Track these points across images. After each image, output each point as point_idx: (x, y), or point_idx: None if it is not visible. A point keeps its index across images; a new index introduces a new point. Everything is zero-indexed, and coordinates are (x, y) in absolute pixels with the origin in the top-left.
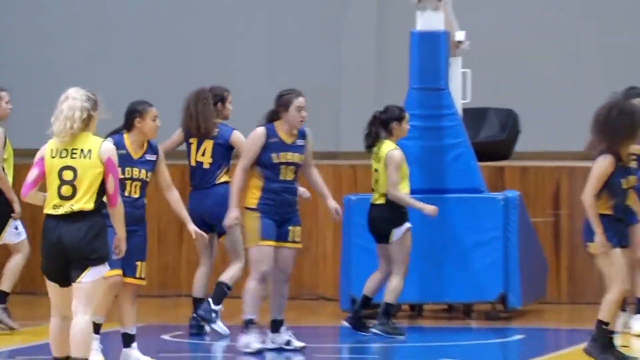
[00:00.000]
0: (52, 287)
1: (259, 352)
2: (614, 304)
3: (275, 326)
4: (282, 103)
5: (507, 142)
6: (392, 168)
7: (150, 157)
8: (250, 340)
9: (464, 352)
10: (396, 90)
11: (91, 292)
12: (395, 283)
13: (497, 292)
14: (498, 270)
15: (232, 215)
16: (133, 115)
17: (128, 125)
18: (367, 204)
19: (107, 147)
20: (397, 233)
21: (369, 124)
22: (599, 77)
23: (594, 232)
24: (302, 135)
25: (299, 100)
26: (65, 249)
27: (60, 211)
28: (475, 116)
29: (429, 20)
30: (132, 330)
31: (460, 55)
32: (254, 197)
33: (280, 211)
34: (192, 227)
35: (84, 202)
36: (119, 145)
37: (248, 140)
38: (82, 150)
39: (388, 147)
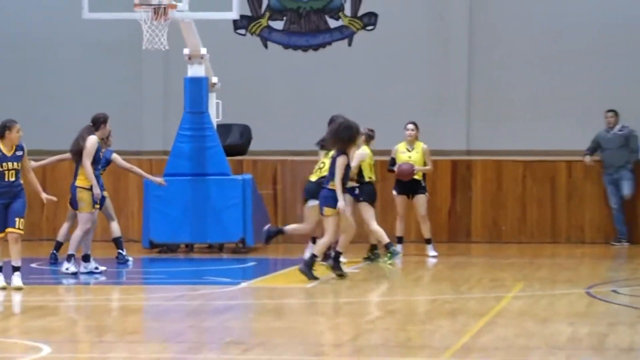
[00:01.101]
0: None
1: (74, 274)
2: (324, 245)
3: (87, 258)
4: (103, 120)
5: (244, 145)
6: None
7: (19, 153)
8: (69, 266)
9: (220, 272)
10: (178, 113)
11: None
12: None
13: (239, 236)
14: (239, 222)
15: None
16: (3, 129)
17: (1, 135)
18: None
19: None
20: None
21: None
22: (308, 105)
23: (328, 202)
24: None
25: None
26: None
27: None
28: (224, 129)
29: (195, 70)
30: (17, 263)
31: (214, 92)
32: (86, 181)
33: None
34: (43, 195)
35: None
36: None
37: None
38: None
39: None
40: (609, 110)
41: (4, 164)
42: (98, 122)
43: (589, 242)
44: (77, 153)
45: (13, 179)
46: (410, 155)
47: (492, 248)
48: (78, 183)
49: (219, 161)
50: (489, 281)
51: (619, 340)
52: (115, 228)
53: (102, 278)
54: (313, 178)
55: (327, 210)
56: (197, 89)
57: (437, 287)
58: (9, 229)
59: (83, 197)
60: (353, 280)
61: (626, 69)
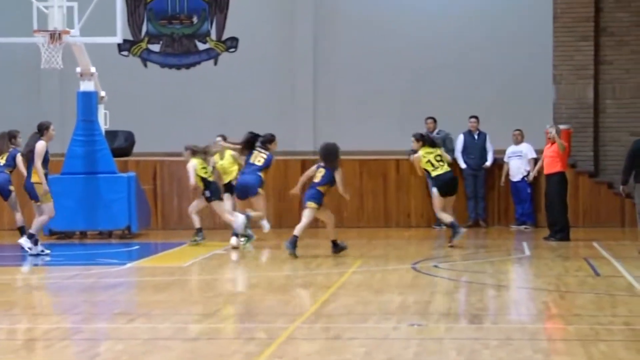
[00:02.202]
0: None
1: (30, 249)
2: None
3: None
4: (46, 126)
5: (128, 148)
6: None
7: None
8: (25, 243)
9: (109, 255)
10: (72, 121)
11: None
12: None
13: (125, 223)
14: (125, 212)
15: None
16: None
17: None
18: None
19: None
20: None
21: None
22: (181, 114)
23: (313, 198)
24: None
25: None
26: None
27: None
28: (111, 135)
29: (86, 86)
30: None
31: (103, 104)
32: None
33: None
34: None
35: None
36: None
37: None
38: None
39: None
40: (429, 117)
41: None
42: (42, 129)
43: (415, 226)
44: (29, 155)
45: None
46: (222, 163)
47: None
48: (33, 179)
49: (107, 162)
50: (333, 259)
51: (440, 306)
52: (19, 218)
53: (48, 259)
54: (442, 169)
55: (310, 204)
56: (88, 101)
57: (291, 265)
58: None
59: (40, 190)
60: (221, 259)
61: (442, 83)
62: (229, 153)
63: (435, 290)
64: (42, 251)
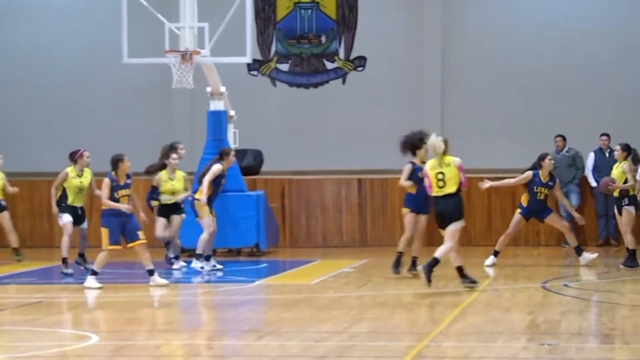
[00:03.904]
0: None
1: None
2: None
3: (209, 257)
4: (226, 152)
5: (257, 167)
6: None
7: (129, 181)
8: (202, 264)
9: (238, 272)
10: (202, 140)
11: None
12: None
13: (253, 241)
14: (254, 230)
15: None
16: (116, 162)
17: (114, 167)
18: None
19: None
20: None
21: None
22: (309, 133)
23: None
24: (128, 177)
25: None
26: None
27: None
28: (240, 153)
29: (216, 105)
30: (150, 267)
31: (232, 122)
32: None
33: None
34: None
35: None
36: (110, 177)
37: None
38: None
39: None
40: (558, 135)
41: (119, 191)
42: (223, 154)
43: (544, 244)
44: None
45: (126, 201)
46: (173, 184)
47: (463, 250)
48: (196, 195)
49: (237, 180)
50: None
51: (570, 326)
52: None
53: (220, 274)
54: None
55: (404, 210)
56: (218, 120)
57: (419, 283)
58: (137, 241)
59: (198, 206)
60: (349, 277)
61: (571, 103)
62: (181, 173)
63: (566, 310)
64: (214, 266)
